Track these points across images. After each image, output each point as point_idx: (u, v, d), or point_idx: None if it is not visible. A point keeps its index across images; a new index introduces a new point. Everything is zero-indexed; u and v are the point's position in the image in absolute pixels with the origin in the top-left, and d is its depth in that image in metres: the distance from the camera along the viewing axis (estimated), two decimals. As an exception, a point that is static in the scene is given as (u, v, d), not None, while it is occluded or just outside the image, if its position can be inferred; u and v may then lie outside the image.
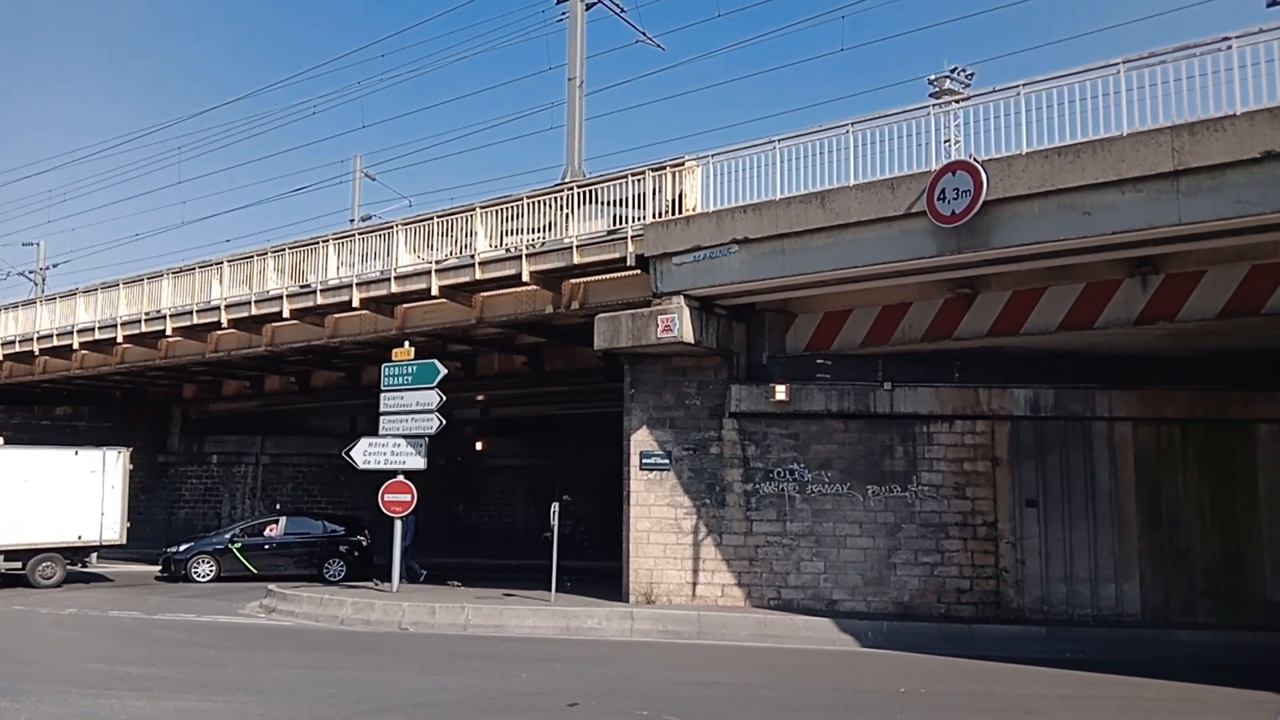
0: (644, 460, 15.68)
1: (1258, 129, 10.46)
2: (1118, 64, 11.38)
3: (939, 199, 12.34)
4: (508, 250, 16.92)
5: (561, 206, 16.37)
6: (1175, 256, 12.57)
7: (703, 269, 14.57)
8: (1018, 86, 12.09)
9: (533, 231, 16.70)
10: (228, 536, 22.13)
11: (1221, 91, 10.76)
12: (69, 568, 20.20)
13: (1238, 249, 12.19)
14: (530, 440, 32.04)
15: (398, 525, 17.23)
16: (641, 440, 15.74)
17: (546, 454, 31.92)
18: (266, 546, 21.90)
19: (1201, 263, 12.56)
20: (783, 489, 15.34)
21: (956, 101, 13.27)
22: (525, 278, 16.44)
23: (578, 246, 15.93)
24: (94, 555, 20.45)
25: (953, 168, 12.33)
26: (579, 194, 16.21)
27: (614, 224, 15.86)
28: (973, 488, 14.94)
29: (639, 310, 14.98)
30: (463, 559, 24.54)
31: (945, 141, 12.94)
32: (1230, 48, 10.71)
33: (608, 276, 16.48)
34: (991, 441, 15.01)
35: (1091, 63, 11.56)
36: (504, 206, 17.10)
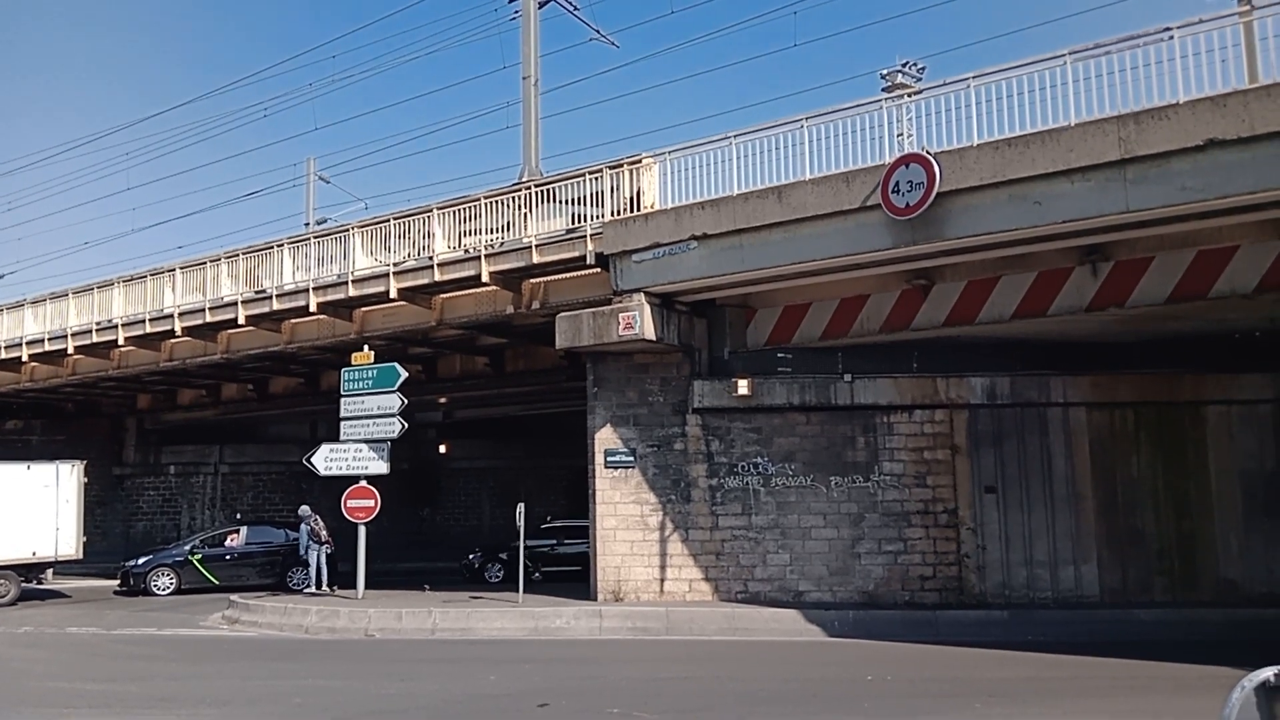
0: (608, 458, 15.65)
1: (1200, 117, 10.67)
2: (1064, 55, 11.54)
3: (893, 192, 12.43)
4: (466, 251, 16.80)
5: (520, 206, 16.29)
6: (1124, 244, 12.80)
7: (662, 266, 14.55)
8: (968, 79, 12.21)
9: (491, 232, 16.61)
10: (188, 548, 21.75)
11: (1165, 81, 10.96)
12: (24, 585, 19.71)
13: (1184, 235, 12.44)
14: (494, 442, 31.89)
15: (361, 531, 17.04)
16: (606, 438, 15.70)
17: (511, 455, 31.77)
18: (228, 557, 21.55)
19: (1150, 249, 12.80)
20: (747, 483, 15.37)
21: (909, 95, 13.39)
22: (485, 278, 16.35)
23: (537, 246, 15.86)
24: (49, 571, 19.97)
25: (906, 160, 12.44)
26: (537, 193, 16.15)
27: (573, 223, 15.82)
28: (933, 476, 15.07)
29: (600, 309, 14.94)
30: (428, 563, 24.33)
31: (899, 135, 13.05)
32: (1173, 38, 10.90)
33: (568, 275, 16.43)
34: (950, 430, 15.14)
35: (1039, 54, 11.72)
36: (462, 207, 16.99)
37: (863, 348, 15.27)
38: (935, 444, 15.14)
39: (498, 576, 21.56)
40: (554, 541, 20.45)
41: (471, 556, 22.37)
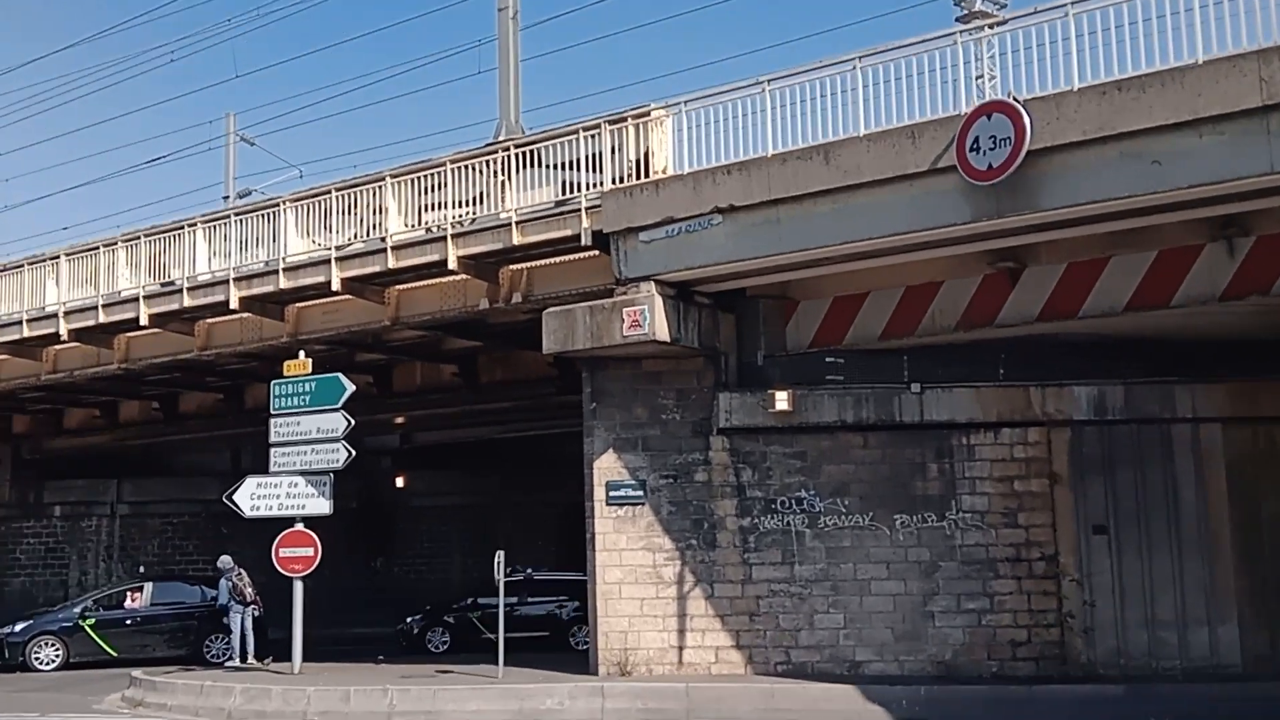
0: (611, 493, 15.67)
1: (1365, 51, 10.61)
2: (1189, -25, 11.51)
3: (972, 150, 12.43)
4: (428, 230, 16.87)
5: (496, 173, 16.36)
6: (1269, 214, 12.72)
7: (678, 247, 14.58)
8: (1065, 6, 12.19)
9: (460, 205, 16.67)
10: (78, 611, 21.81)
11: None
12: None
13: (1346, 202, 12.36)
14: (466, 472, 31.95)
15: (298, 588, 17.05)
16: (607, 467, 15.72)
17: (487, 489, 31.82)
18: (129, 622, 21.60)
19: (1302, 220, 12.75)
20: (789, 523, 15.38)
21: (989, 27, 13.38)
22: (452, 264, 16.41)
23: (518, 223, 15.91)
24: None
25: (987, 110, 12.42)
26: (518, 156, 16.20)
27: (563, 193, 15.87)
28: (1026, 513, 15.06)
29: (599, 302, 14.97)
30: (383, 627, 24.36)
31: (977, 78, 13.07)
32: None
33: (557, 260, 16.47)
34: (1048, 454, 15.13)
35: (1157, -27, 11.66)
36: (422, 175, 17.06)
37: (934, 350, 15.24)
38: (1028, 472, 15.11)
39: (443, 645, 21.63)
40: (514, 600, 20.39)
41: (410, 620, 22.53)
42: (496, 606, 16.50)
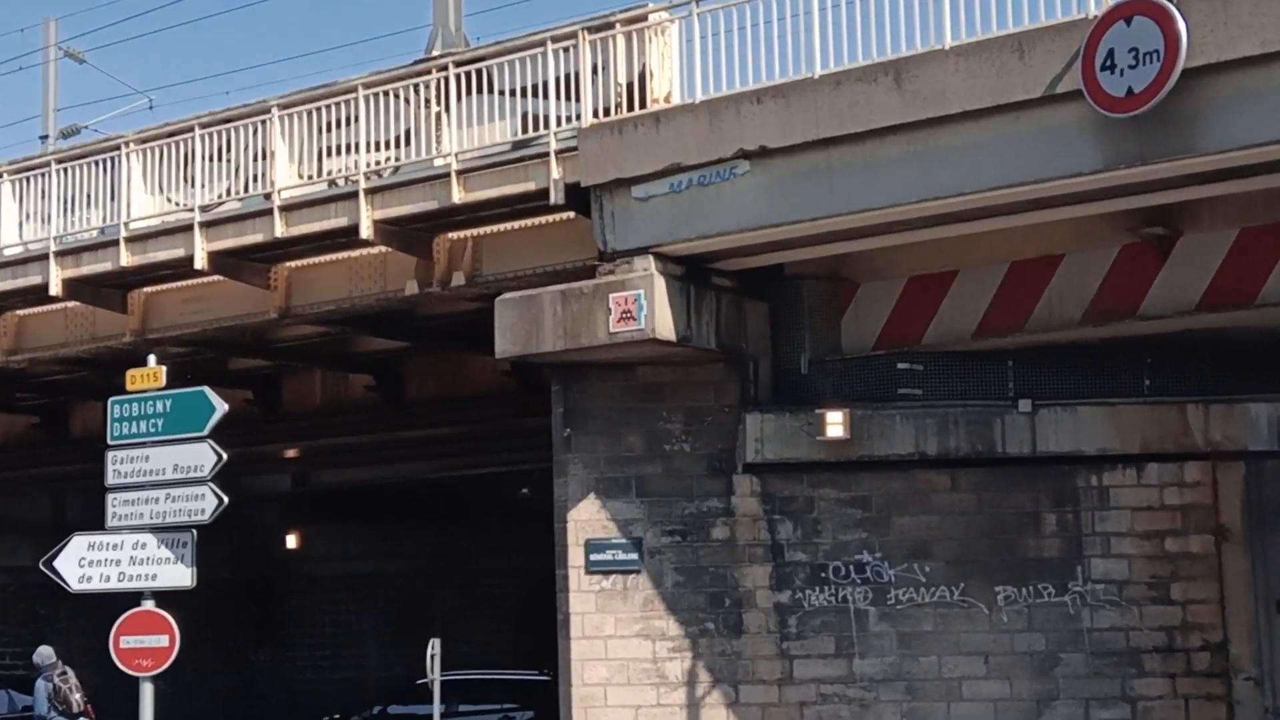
0: (593, 556, 15.69)
1: None
2: None
3: (1104, 69, 12.40)
4: (333, 184, 16.91)
5: (429, 101, 16.40)
6: None
7: (688, 207, 14.60)
8: None
9: (377, 149, 16.72)
10: None
11: None
12: None
13: None
14: (387, 528, 32.01)
15: (146, 692, 16.98)
16: (587, 520, 15.74)
17: (417, 551, 31.90)
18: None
19: None
20: (845, 598, 15.39)
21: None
22: (366, 231, 16.42)
23: (460, 173, 15.92)
24: None
25: (1126, 12, 12.39)
26: (459, 78, 16.23)
27: (524, 130, 15.91)
28: (1182, 583, 15.06)
29: (575, 285, 14.98)
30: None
31: (1111, -34, 13.02)
32: None
33: (516, 226, 16.55)
34: (1213, 499, 15.15)
35: None
36: (324, 105, 17.13)
37: (1051, 352, 15.31)
38: (1185, 525, 15.16)
39: None
40: (441, 710, 20.15)
41: None
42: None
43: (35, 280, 18.76)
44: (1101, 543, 15.15)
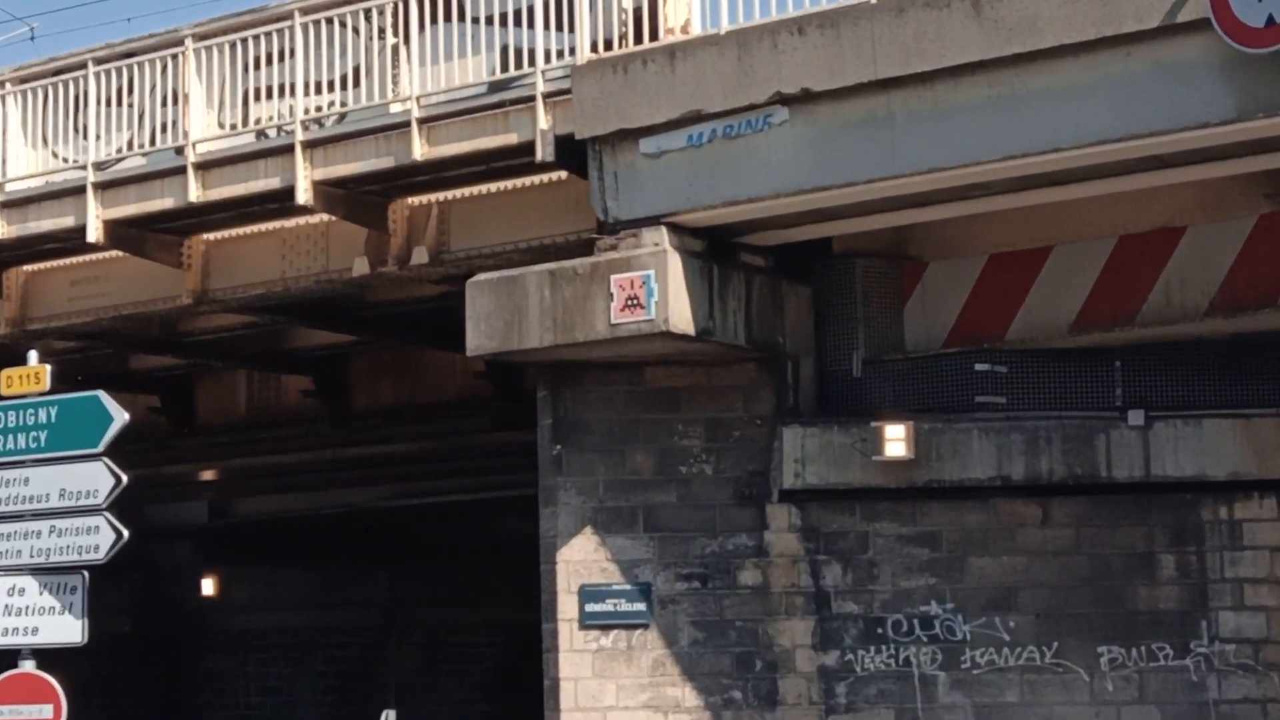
0: (589, 606, 15.71)
1: None
2: None
3: (1238, -8, 12.36)
4: (262, 134, 17.00)
5: (383, 31, 16.45)
6: None
7: (710, 163, 14.60)
8: None
9: (318, 91, 16.76)
10: None
11: None
12: None
13: None
14: (328, 569, 32.05)
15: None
16: (582, 560, 15.76)
17: (367, 599, 31.87)
18: None
19: None
20: (908, 660, 15.42)
21: None
22: (304, 195, 16.44)
23: (423, 121, 15.94)
24: None
25: (1267, -82, 12.36)
26: (422, 2, 16.20)
27: (504, 68, 15.96)
28: (1335, 644, 15.04)
29: (567, 264, 14.99)
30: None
31: None
32: None
33: (493, 188, 16.65)
34: (1374, 537, 15.14)
35: None
36: (251, 36, 17.13)
37: (1169, 352, 15.37)
38: (1338, 570, 15.14)
39: None
40: None
41: None
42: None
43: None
44: (1232, 591, 15.13)
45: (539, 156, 15.30)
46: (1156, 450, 15.20)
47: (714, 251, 15.05)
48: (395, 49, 16.29)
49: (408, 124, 15.89)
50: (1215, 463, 15.19)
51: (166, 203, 17.28)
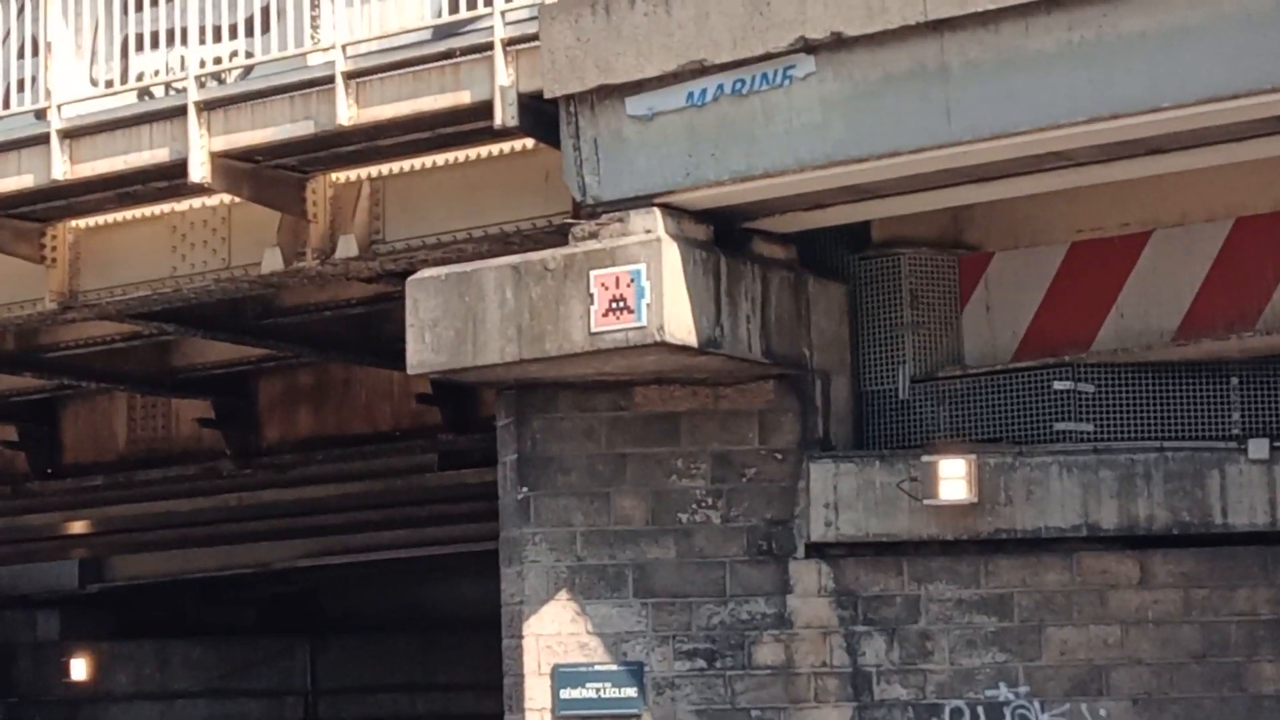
0: (566, 692, 15.73)
1: None
2: None
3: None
4: (146, 94, 17.13)
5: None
6: None
7: (716, 129, 14.62)
8: None
9: (217, 37, 16.82)
10: None
11: None
12: None
13: None
14: (232, 646, 32.06)
15: None
16: (556, 633, 15.80)
17: (281, 682, 31.95)
18: None
19: None
20: (970, 761, 15.46)
21: None
22: (200, 170, 16.47)
23: (351, 75, 15.97)
24: None
25: None
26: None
27: (452, 8, 15.97)
28: None
29: (536, 257, 14.99)
30: None
31: None
32: None
33: (440, 160, 16.73)
34: None
35: None
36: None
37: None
38: None
39: None
40: None
41: None
42: None
43: None
44: (1381, 669, 15.19)
45: (498, 120, 15.26)
46: (1285, 488, 15.29)
47: (722, 240, 15.10)
48: (313, -15, 16.35)
49: (332, 80, 15.88)
50: (1363, 506, 15.27)
51: (24, 180, 17.26)
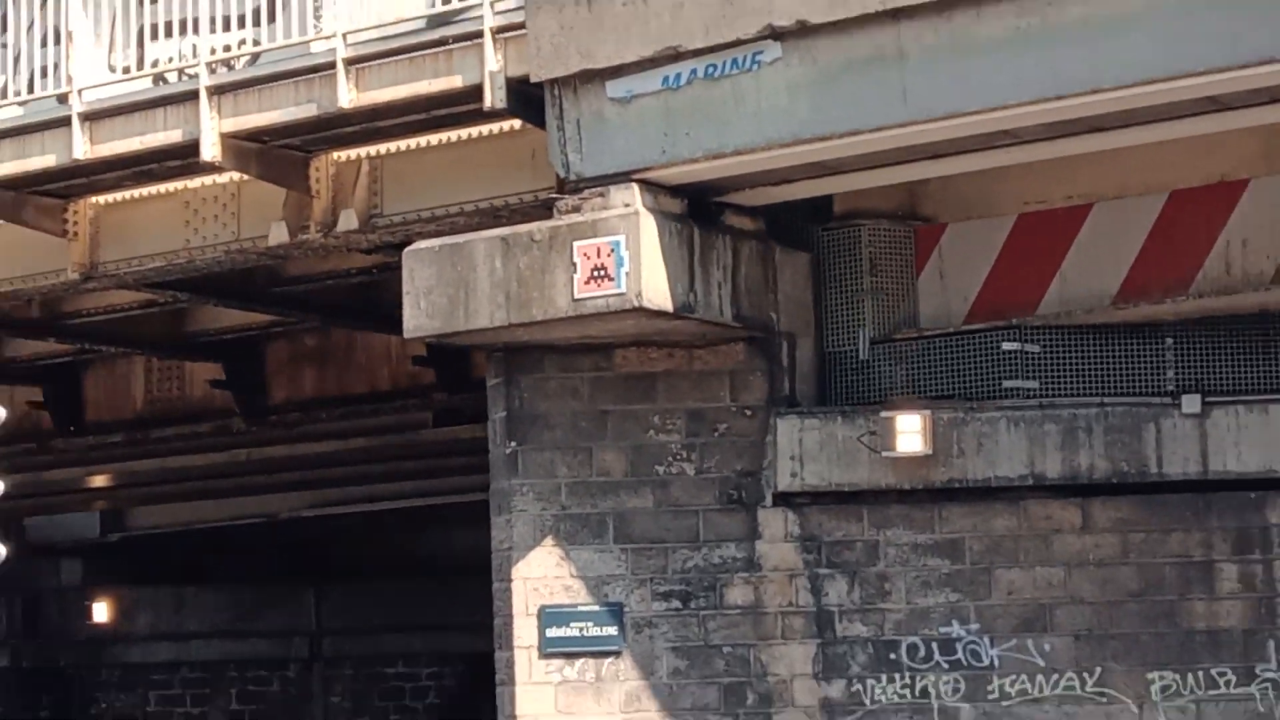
0: (552, 631, 15.73)
1: None
2: None
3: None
4: (161, 79, 17.05)
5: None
6: None
7: (690, 109, 14.60)
8: None
9: (227, 27, 16.72)
10: None
11: None
12: None
13: None
14: (242, 590, 32.03)
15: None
16: (542, 576, 15.80)
17: (289, 623, 31.91)
18: None
19: None
20: (926, 690, 15.47)
21: None
22: (212, 150, 16.43)
23: (351, 62, 15.92)
24: None
25: None
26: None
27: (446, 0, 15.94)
28: None
29: (522, 229, 14.97)
30: None
31: None
32: None
33: (434, 140, 16.68)
34: None
35: None
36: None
37: (1230, 325, 15.41)
38: None
39: None
40: None
41: None
42: None
43: None
44: (1305, 607, 15.21)
45: (488, 103, 15.26)
46: (1216, 442, 15.24)
47: (695, 213, 15.08)
48: (317, -23, 16.28)
49: (333, 66, 15.85)
50: (1286, 456, 15.30)
51: (48, 160, 17.22)
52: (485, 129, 16.06)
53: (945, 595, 15.46)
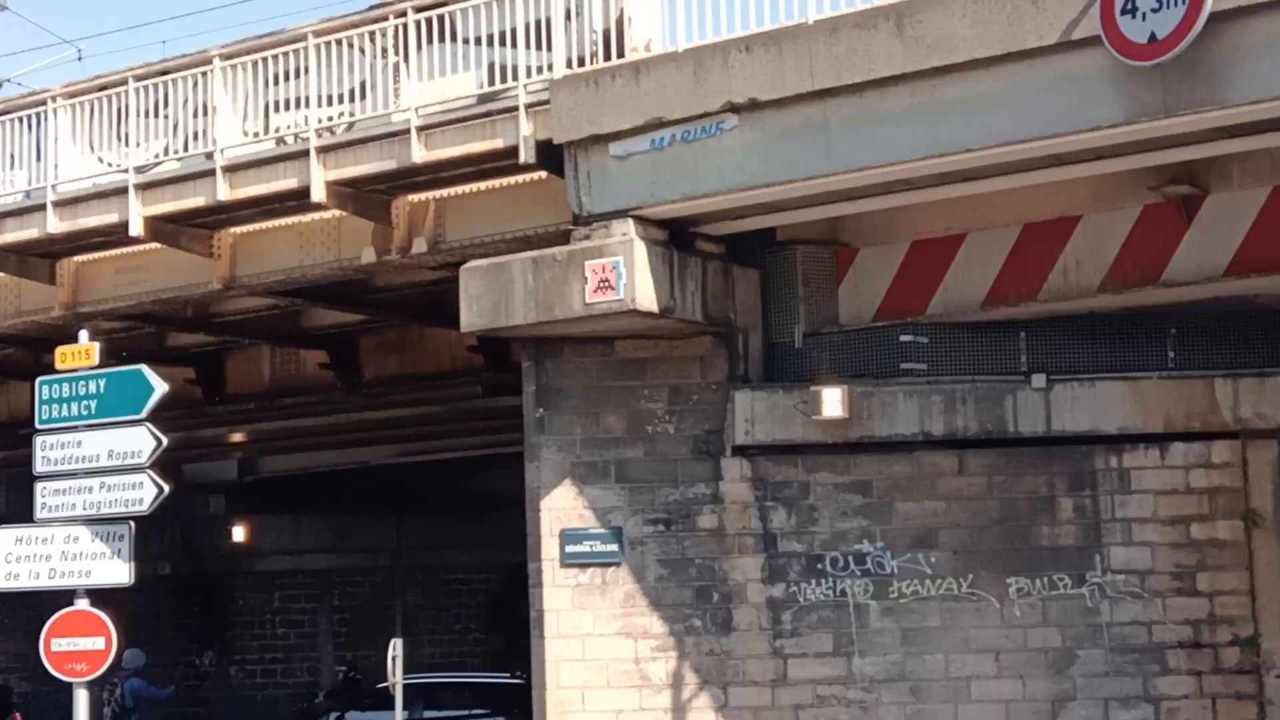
0: (569, 548, 15.73)
1: None
2: None
3: (1125, 12, 12.33)
4: (281, 141, 16.90)
5: (385, 51, 16.36)
6: None
7: (671, 166, 14.61)
8: None
9: (330, 103, 16.69)
10: None
11: None
12: None
13: None
14: (342, 520, 32.04)
15: (80, 699, 16.94)
16: (563, 509, 15.78)
17: (377, 544, 31.88)
18: None
19: None
20: (844, 591, 15.46)
21: None
22: (318, 194, 16.40)
23: (421, 129, 15.87)
24: None
25: (1149, -51, 12.38)
26: (420, 25, 16.13)
27: (491, 82, 15.90)
28: (1209, 573, 15.11)
29: (548, 252, 14.99)
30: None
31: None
32: None
33: (483, 187, 16.58)
34: (1243, 480, 15.20)
35: None
36: (270, 55, 17.06)
37: (1068, 323, 15.41)
38: (1213, 509, 15.21)
39: None
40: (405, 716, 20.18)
41: None
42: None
43: (-48, 248, 18.69)
44: (1122, 530, 15.22)
45: (522, 159, 15.33)
46: (1056, 409, 15.33)
47: (674, 240, 15.08)
48: (396, 66, 16.23)
49: (408, 131, 15.86)
50: (1106, 419, 15.33)
51: (198, 201, 17.23)
52: (520, 178, 16.03)
53: (858, 521, 15.50)
